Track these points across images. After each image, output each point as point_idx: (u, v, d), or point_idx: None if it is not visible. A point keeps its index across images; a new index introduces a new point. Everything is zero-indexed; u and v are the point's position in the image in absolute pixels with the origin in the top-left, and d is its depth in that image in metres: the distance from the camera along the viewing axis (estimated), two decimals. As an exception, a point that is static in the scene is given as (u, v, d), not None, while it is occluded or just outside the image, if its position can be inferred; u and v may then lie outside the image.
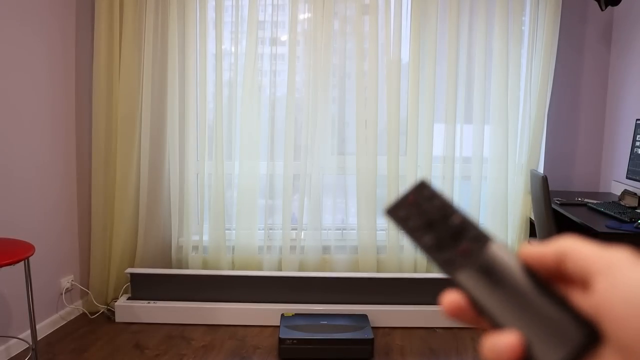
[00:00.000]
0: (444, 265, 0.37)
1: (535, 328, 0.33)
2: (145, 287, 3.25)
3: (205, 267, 3.45)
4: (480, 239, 0.37)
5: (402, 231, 0.39)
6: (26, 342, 2.82)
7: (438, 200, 0.40)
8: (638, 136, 2.93)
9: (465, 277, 0.36)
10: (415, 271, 3.45)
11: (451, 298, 0.36)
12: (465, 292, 0.35)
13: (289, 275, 3.27)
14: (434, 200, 0.40)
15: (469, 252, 0.37)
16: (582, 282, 0.33)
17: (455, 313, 0.36)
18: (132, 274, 3.25)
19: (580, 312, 0.33)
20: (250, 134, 3.39)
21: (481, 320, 0.36)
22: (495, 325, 0.34)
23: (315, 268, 3.45)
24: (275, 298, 3.26)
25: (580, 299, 0.33)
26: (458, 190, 3.53)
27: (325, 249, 3.51)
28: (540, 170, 3.55)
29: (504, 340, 0.33)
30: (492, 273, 0.36)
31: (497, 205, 3.44)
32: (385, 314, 3.21)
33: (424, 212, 0.39)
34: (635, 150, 2.94)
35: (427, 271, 3.41)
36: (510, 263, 0.36)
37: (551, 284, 0.35)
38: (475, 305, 0.35)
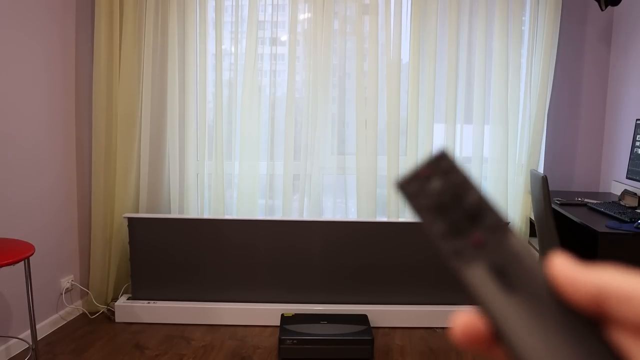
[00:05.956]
0: (451, 256, 0.30)
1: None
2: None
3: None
4: (498, 228, 0.31)
5: (411, 209, 0.33)
6: (26, 342, 2.82)
7: (457, 176, 0.33)
8: (638, 136, 2.93)
9: (474, 274, 0.29)
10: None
11: (464, 320, 0.30)
12: (470, 291, 0.29)
13: (289, 220, 3.34)
14: (452, 175, 0.33)
15: (482, 243, 0.30)
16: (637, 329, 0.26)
17: (468, 338, 0.30)
18: (129, 219, 3.21)
19: None
20: (250, 134, 3.39)
21: (497, 350, 0.30)
22: (508, 344, 0.28)
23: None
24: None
25: (634, 348, 0.26)
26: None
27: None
28: (540, 170, 3.55)
29: None
30: (506, 275, 0.29)
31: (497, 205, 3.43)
32: (385, 314, 3.21)
33: (438, 189, 0.33)
34: (635, 150, 2.94)
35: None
36: (532, 270, 0.29)
37: (586, 317, 0.28)
38: (487, 318, 0.29)
